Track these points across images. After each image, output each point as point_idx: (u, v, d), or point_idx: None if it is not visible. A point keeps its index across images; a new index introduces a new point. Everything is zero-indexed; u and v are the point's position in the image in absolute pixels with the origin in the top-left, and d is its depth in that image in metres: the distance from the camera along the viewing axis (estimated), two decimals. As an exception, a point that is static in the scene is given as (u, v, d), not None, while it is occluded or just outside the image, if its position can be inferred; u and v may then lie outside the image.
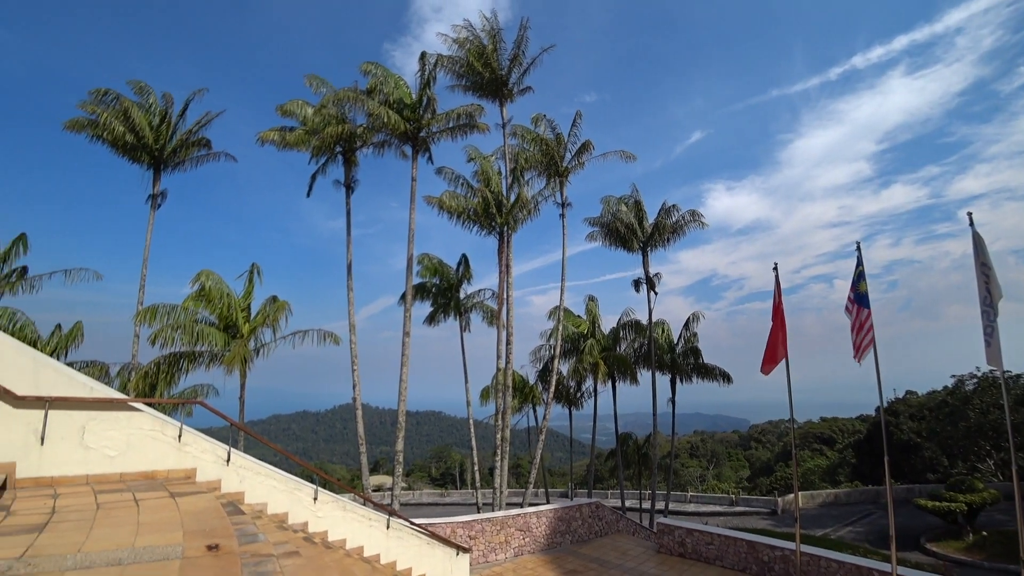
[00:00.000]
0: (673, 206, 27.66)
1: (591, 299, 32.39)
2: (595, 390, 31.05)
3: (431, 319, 27.58)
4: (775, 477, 50.94)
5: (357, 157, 21.42)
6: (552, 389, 24.10)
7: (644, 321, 29.48)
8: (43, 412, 6.11)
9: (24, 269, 20.62)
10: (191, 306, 16.82)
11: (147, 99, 21.62)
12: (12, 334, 15.36)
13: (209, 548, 4.17)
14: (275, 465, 8.32)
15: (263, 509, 7.69)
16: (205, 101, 23.08)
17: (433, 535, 10.57)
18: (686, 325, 30.66)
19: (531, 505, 17.23)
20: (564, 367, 30.42)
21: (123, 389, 17.19)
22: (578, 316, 32.15)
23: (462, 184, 21.56)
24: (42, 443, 6.13)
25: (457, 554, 10.87)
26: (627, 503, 32.77)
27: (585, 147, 23.84)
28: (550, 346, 30.31)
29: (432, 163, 21.81)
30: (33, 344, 17.17)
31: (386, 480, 49.06)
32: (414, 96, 20.25)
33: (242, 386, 17.37)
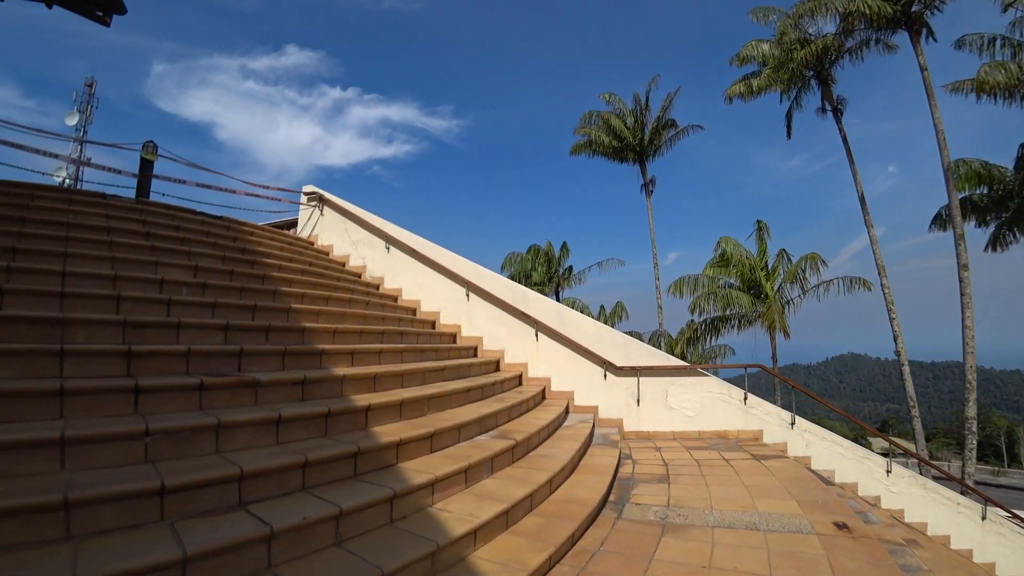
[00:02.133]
0: None
1: None
2: None
3: (994, 242, 20.35)
4: None
5: (834, 73, 18.36)
6: None
7: None
8: (636, 379, 7.51)
9: (570, 268, 27.35)
10: (712, 273, 18.17)
11: (617, 105, 24.93)
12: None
13: (838, 527, 3.93)
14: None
15: (830, 478, 7.20)
16: (661, 86, 24.71)
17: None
18: None
19: None
20: None
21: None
22: None
23: (1002, 46, 15.24)
24: (638, 404, 7.53)
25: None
26: None
27: None
28: None
29: (934, 40, 16.57)
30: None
31: (899, 444, 40.18)
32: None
33: (773, 346, 17.35)
